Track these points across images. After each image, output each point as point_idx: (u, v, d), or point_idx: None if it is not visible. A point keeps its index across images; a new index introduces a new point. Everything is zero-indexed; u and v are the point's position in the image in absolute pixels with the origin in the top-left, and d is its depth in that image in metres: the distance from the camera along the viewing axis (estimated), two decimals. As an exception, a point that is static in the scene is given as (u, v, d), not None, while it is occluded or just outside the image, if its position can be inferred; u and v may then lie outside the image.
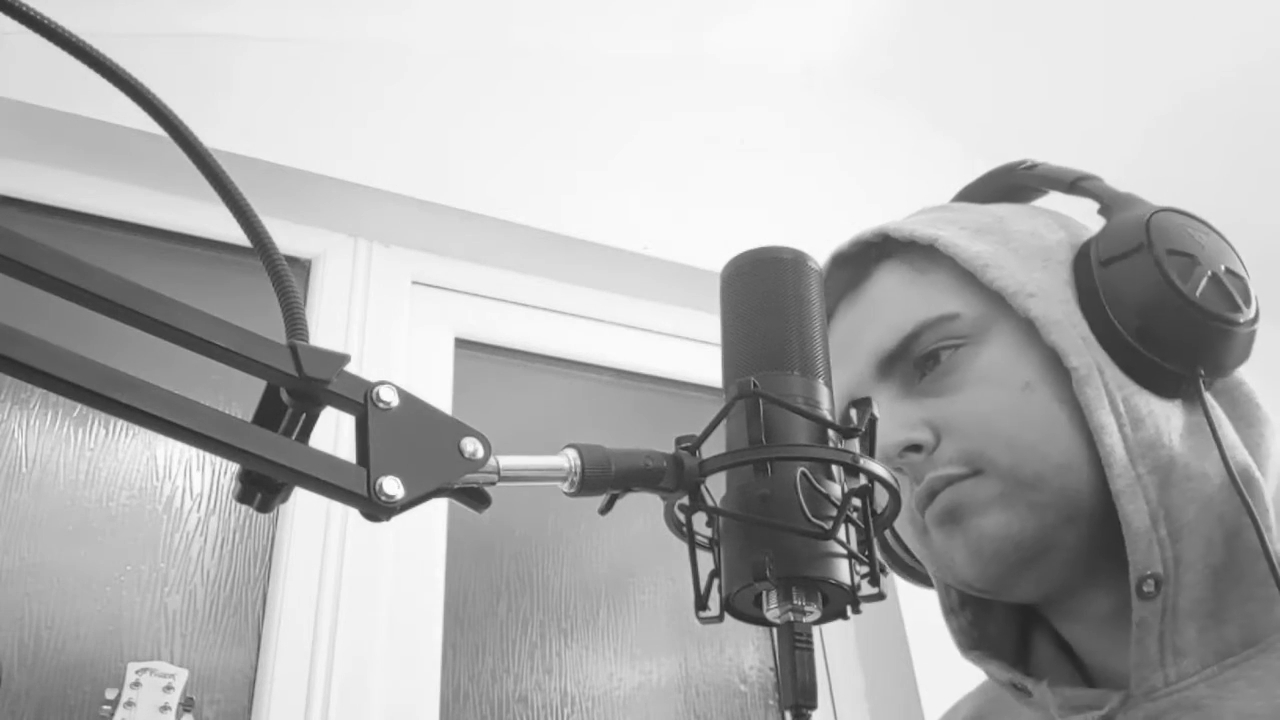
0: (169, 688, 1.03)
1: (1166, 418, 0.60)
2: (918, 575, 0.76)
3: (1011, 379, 0.63)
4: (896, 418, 0.65)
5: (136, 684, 1.02)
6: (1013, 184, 0.75)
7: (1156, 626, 0.58)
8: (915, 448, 0.63)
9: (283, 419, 0.43)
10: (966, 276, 0.65)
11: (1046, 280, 0.64)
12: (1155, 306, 0.59)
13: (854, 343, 0.69)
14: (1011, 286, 0.63)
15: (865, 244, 0.71)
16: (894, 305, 0.68)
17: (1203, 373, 0.60)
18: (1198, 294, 0.59)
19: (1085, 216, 0.70)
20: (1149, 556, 0.57)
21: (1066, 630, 0.67)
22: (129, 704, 1.01)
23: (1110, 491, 0.59)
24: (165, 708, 1.02)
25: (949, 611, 0.71)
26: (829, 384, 0.51)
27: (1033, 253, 0.66)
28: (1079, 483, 0.60)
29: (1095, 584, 0.63)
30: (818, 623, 0.46)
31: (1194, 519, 0.58)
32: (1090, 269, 0.63)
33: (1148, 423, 0.60)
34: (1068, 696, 0.62)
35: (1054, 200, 0.73)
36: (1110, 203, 0.66)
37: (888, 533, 0.75)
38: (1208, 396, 0.60)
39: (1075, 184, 0.69)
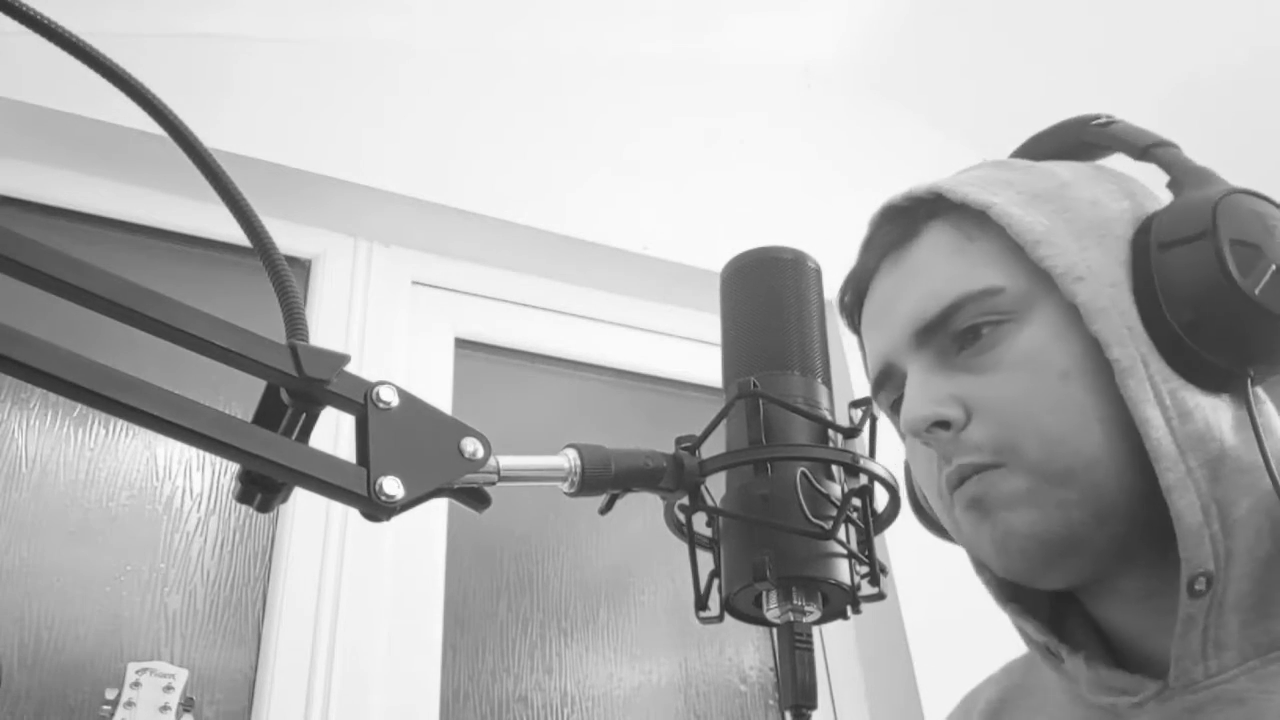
0: (169, 688, 1.03)
1: (1214, 410, 0.58)
2: (948, 533, 0.74)
3: (1049, 366, 0.60)
4: (928, 391, 0.63)
5: (136, 684, 1.02)
6: (1082, 140, 0.71)
7: (1202, 621, 0.56)
8: (944, 424, 0.62)
9: (283, 419, 0.43)
10: (1016, 248, 0.63)
11: (1099, 259, 0.61)
12: (1211, 300, 0.56)
13: (893, 307, 0.67)
14: (1060, 267, 0.60)
15: (918, 199, 0.68)
16: (937, 273, 0.65)
17: (1252, 372, 0.57)
18: (1258, 290, 0.56)
19: (1157, 183, 0.66)
20: (1201, 553, 0.56)
21: (1098, 607, 0.66)
22: (129, 704, 1.01)
23: (1144, 491, 0.57)
24: (165, 708, 1.01)
25: (981, 567, 0.69)
26: (829, 383, 0.51)
27: (1090, 225, 0.63)
28: (1109, 479, 0.58)
29: (1131, 569, 0.61)
30: (818, 623, 0.46)
31: (1246, 513, 0.57)
32: (1148, 250, 0.60)
33: (1196, 416, 0.57)
34: (1102, 676, 0.61)
35: (1120, 162, 0.69)
36: (1182, 176, 0.62)
37: (920, 492, 0.74)
38: (1256, 394, 0.58)
39: (1148, 150, 0.65)
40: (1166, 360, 0.58)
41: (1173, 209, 0.61)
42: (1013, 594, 0.68)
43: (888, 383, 0.69)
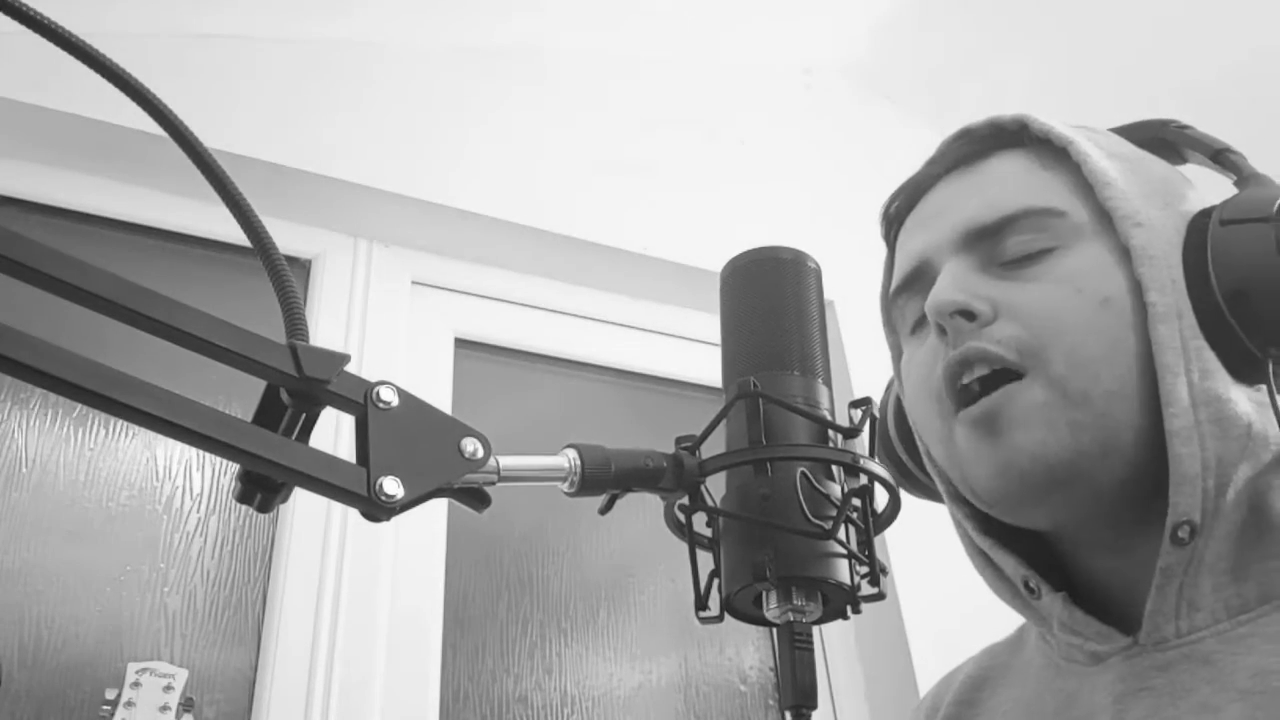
0: (169, 688, 1.03)
1: (1234, 387, 0.59)
2: (925, 489, 0.74)
3: (1092, 290, 0.61)
4: (963, 283, 0.63)
5: (136, 684, 1.02)
6: (1160, 138, 0.73)
7: (1179, 577, 0.57)
8: (968, 314, 0.62)
9: (283, 419, 0.43)
10: (1085, 189, 0.64)
11: (1160, 218, 0.62)
12: (1257, 274, 0.58)
13: (947, 210, 0.68)
14: (1123, 209, 0.62)
15: (999, 127, 0.70)
16: (1005, 185, 0.66)
17: (1274, 353, 0.58)
18: None
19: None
20: (1190, 501, 0.56)
21: (1077, 555, 0.66)
22: (129, 704, 1.01)
23: (1150, 439, 0.58)
24: (165, 708, 1.02)
25: (958, 500, 0.68)
26: (829, 383, 0.51)
27: (1157, 191, 0.64)
28: (1120, 415, 0.59)
29: (1117, 521, 0.61)
30: (818, 623, 0.46)
31: (1241, 478, 0.57)
32: (1206, 226, 0.61)
33: (1216, 376, 0.58)
34: (1076, 618, 0.61)
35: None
36: (1249, 176, 0.65)
37: (898, 443, 0.74)
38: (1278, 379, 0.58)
39: (1220, 153, 0.68)
40: (1200, 322, 0.59)
41: (1239, 197, 0.62)
42: (988, 529, 0.67)
43: (915, 283, 0.69)
